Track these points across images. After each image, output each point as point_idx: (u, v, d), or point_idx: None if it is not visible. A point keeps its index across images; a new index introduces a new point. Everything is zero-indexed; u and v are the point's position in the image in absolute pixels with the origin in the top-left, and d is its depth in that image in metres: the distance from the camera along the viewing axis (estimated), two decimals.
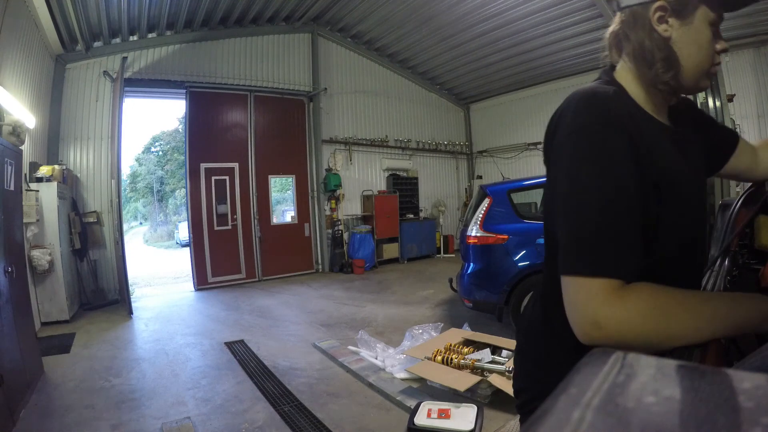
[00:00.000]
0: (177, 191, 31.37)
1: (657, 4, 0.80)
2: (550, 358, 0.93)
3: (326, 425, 2.70)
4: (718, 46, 0.83)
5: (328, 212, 9.11)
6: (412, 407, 2.28)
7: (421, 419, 2.16)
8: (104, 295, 6.64)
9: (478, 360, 3.12)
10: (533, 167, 10.20)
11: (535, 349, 0.99)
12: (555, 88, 9.80)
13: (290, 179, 9.07)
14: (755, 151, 1.07)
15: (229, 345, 4.36)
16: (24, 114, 4.68)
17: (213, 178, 7.90)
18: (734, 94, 6.53)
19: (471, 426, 2.08)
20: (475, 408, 2.22)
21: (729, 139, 1.05)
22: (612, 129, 0.74)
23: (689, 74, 0.82)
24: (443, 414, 2.17)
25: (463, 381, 2.87)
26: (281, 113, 8.78)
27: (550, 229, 0.88)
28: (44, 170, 5.39)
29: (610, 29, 0.91)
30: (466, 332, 3.81)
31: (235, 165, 8.17)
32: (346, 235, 9.17)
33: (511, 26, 8.13)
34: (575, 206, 0.72)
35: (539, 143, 10.12)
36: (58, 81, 6.52)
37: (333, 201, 9.09)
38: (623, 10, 0.86)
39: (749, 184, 1.15)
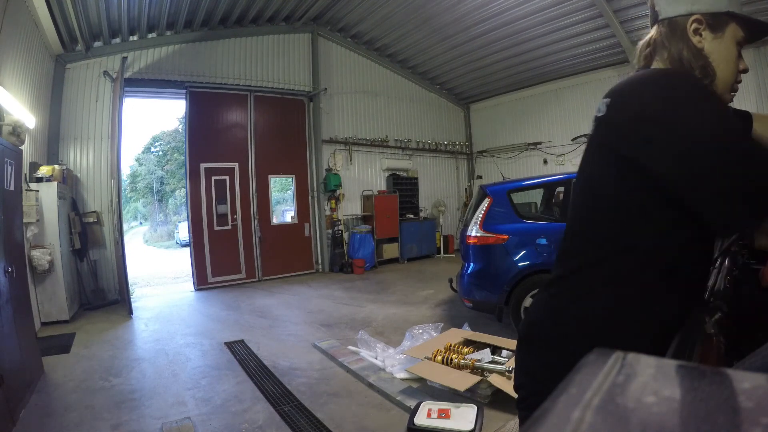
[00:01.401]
0: (177, 191, 31.37)
1: (694, 16, 0.88)
2: (555, 349, 0.94)
3: (326, 425, 2.70)
4: (741, 66, 0.92)
5: (328, 212, 9.12)
6: (412, 407, 2.28)
7: (421, 419, 2.16)
8: (104, 295, 6.64)
9: (478, 360, 3.12)
10: (533, 167, 10.20)
11: (540, 337, 0.99)
12: (555, 88, 9.80)
13: (290, 179, 9.07)
14: None
15: (229, 345, 4.36)
16: (24, 114, 4.68)
17: (213, 178, 7.90)
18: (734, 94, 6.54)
19: (471, 426, 2.08)
20: (475, 408, 2.22)
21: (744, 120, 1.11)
22: (711, 92, 0.80)
23: (717, 86, 0.90)
24: (443, 414, 2.17)
25: (463, 381, 2.87)
26: (281, 113, 8.78)
27: (586, 214, 0.91)
28: (44, 170, 5.39)
29: (645, 38, 0.99)
30: (466, 332, 3.81)
31: (235, 165, 8.17)
32: (346, 235, 9.17)
33: (511, 26, 8.13)
34: (724, 158, 0.74)
35: (539, 143, 10.13)
36: (58, 81, 6.52)
37: (333, 201, 9.09)
38: (662, 22, 0.94)
39: None
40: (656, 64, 0.95)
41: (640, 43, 1.00)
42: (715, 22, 0.88)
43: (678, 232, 0.83)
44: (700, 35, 0.89)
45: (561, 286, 0.95)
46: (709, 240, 0.90)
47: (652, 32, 0.97)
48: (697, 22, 0.88)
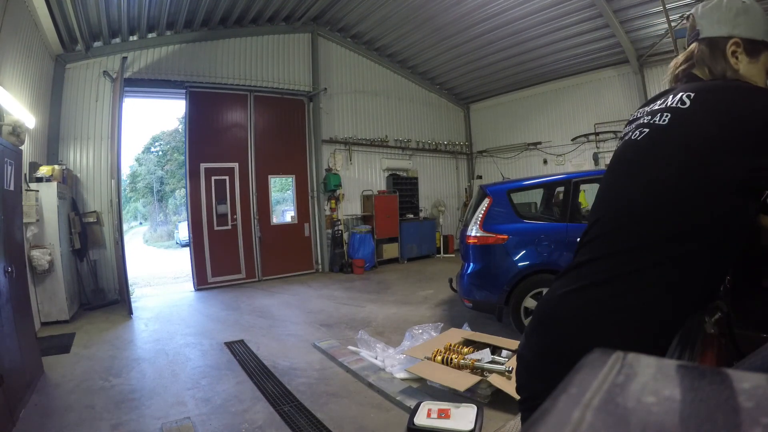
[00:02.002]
0: (177, 191, 31.35)
1: (733, 39, 0.95)
2: (563, 348, 0.94)
3: (326, 425, 2.70)
4: None
5: (328, 212, 9.11)
6: (412, 407, 2.29)
7: (421, 419, 2.17)
8: (104, 295, 6.64)
9: (478, 360, 3.12)
10: (533, 167, 10.20)
11: (548, 334, 0.99)
12: (555, 88, 9.80)
13: (290, 179, 9.07)
14: None
15: (229, 345, 4.36)
16: (24, 114, 4.67)
17: (213, 178, 7.90)
18: None
19: (471, 426, 2.09)
20: (475, 408, 2.22)
21: None
22: None
23: None
24: (443, 414, 2.18)
25: (463, 381, 2.87)
26: (281, 113, 8.78)
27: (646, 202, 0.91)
28: (44, 170, 5.39)
29: (682, 55, 1.05)
30: (466, 332, 3.81)
31: (235, 165, 8.17)
32: (346, 235, 9.17)
33: (511, 26, 8.13)
34: None
35: (539, 143, 10.13)
36: (58, 81, 6.52)
37: (333, 201, 9.08)
38: (702, 40, 1.00)
39: None
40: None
41: (676, 58, 1.06)
42: (752, 47, 0.95)
43: (737, 228, 0.87)
44: (737, 57, 0.95)
45: (577, 283, 0.95)
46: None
47: (692, 48, 1.03)
48: (735, 45, 0.95)
